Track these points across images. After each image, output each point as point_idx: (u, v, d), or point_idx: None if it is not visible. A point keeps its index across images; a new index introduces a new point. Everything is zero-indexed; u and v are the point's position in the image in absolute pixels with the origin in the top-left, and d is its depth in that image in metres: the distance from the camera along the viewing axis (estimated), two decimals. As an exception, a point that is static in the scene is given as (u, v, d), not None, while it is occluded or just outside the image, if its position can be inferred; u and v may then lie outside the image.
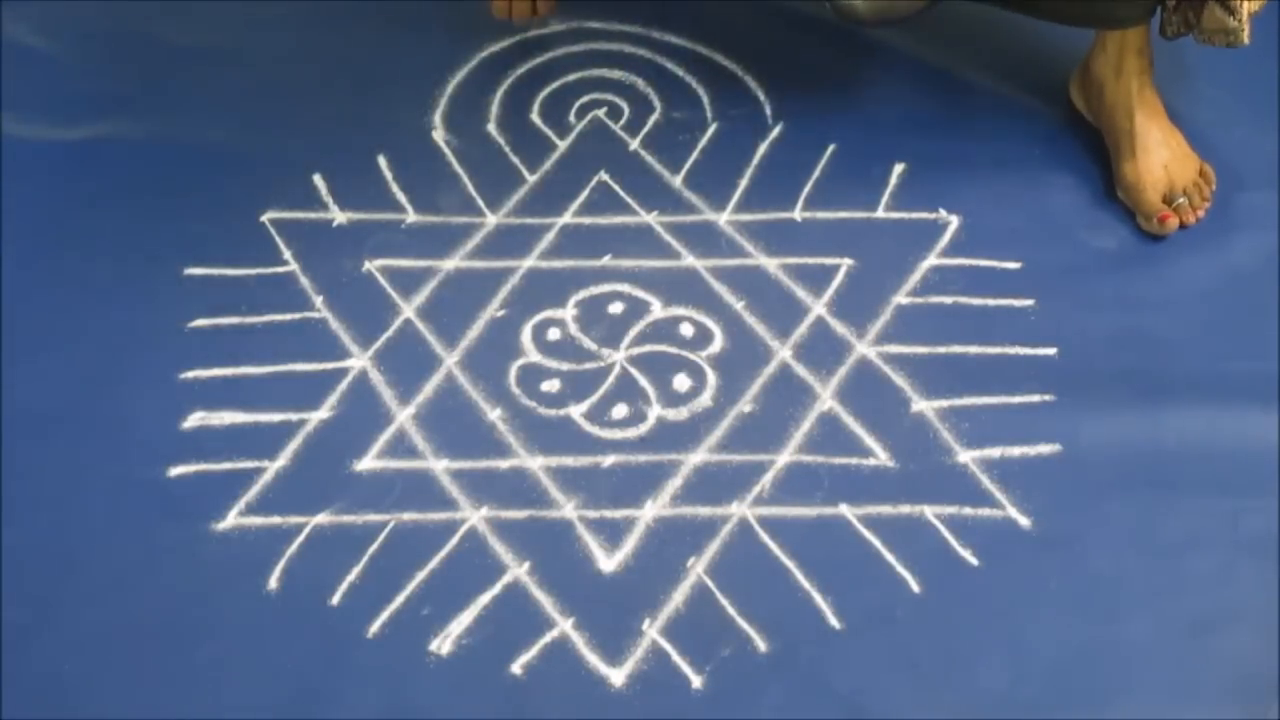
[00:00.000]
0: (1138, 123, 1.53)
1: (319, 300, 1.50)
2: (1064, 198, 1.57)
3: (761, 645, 1.24)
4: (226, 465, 1.36)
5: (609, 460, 1.37)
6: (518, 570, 1.29)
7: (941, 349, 1.44)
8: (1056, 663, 1.22)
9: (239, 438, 1.38)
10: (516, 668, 1.23)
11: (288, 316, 1.48)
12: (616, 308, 1.49)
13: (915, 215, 1.56)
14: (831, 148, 1.62)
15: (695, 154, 1.63)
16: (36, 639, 1.26)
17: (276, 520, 1.33)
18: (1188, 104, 1.62)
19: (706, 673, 1.22)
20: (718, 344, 1.46)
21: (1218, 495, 1.32)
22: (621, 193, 1.59)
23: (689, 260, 1.53)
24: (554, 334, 1.47)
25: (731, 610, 1.26)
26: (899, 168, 1.59)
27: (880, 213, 1.56)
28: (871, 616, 1.25)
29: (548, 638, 1.25)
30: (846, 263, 1.52)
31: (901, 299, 1.48)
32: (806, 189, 1.58)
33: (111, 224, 1.58)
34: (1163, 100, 1.55)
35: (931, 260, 1.51)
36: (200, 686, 1.23)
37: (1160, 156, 1.52)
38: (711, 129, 1.66)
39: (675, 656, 1.23)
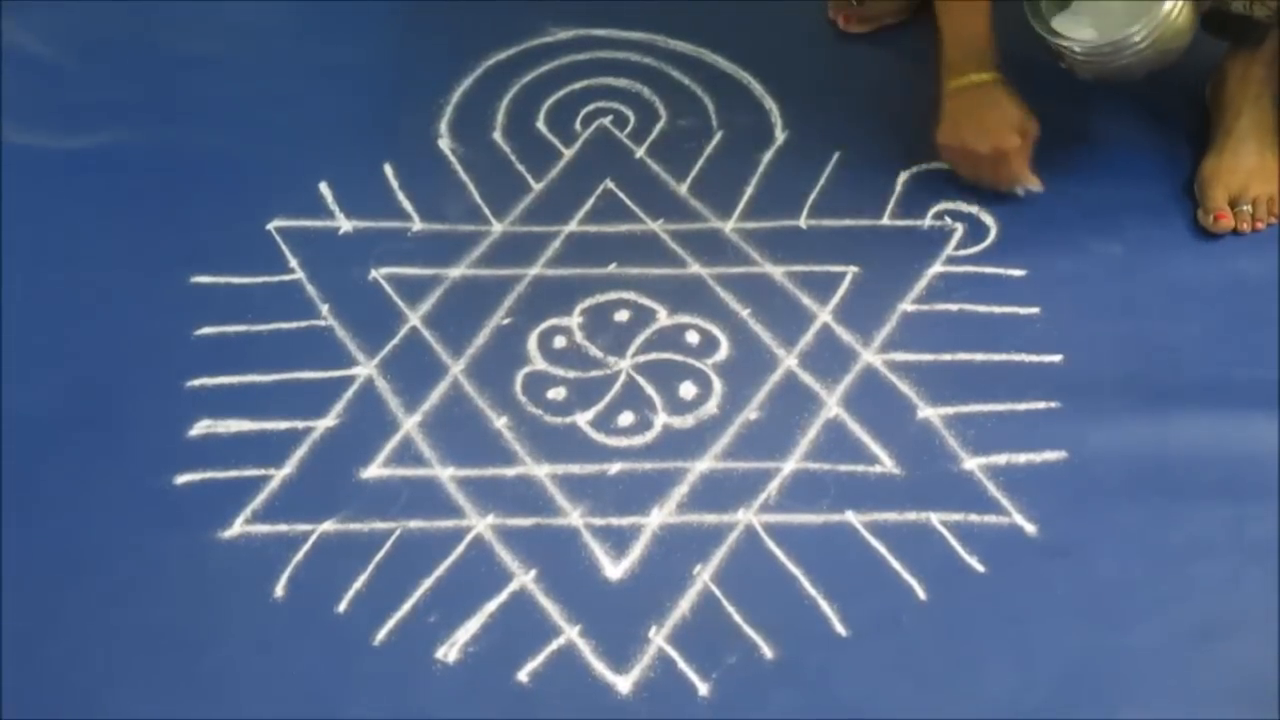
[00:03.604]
0: (1239, 125, 1.55)
1: (325, 308, 1.50)
2: (1069, 205, 1.57)
3: (768, 652, 1.24)
4: (233, 473, 1.36)
5: (615, 468, 1.37)
6: (524, 578, 1.29)
7: (947, 356, 1.44)
8: (1063, 669, 1.22)
9: (245, 446, 1.38)
10: (523, 675, 1.23)
11: (294, 324, 1.49)
12: (622, 315, 1.49)
13: (921, 223, 1.56)
14: (837, 155, 1.63)
15: (701, 162, 1.63)
16: (43, 646, 1.26)
17: (283, 528, 1.33)
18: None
19: (713, 680, 1.22)
20: (723, 352, 1.46)
21: (1223, 501, 1.32)
22: (627, 201, 1.60)
23: (695, 268, 1.53)
24: (560, 342, 1.47)
25: (738, 617, 1.26)
26: (904, 176, 1.60)
27: (886, 220, 1.56)
28: (878, 623, 1.25)
29: (554, 645, 1.25)
30: (852, 270, 1.52)
31: (907, 306, 1.48)
32: (812, 197, 1.59)
33: (117, 232, 1.59)
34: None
35: (937, 268, 1.52)
36: (207, 694, 1.23)
37: (1246, 162, 1.53)
38: (717, 137, 1.66)
39: (682, 664, 1.23)
